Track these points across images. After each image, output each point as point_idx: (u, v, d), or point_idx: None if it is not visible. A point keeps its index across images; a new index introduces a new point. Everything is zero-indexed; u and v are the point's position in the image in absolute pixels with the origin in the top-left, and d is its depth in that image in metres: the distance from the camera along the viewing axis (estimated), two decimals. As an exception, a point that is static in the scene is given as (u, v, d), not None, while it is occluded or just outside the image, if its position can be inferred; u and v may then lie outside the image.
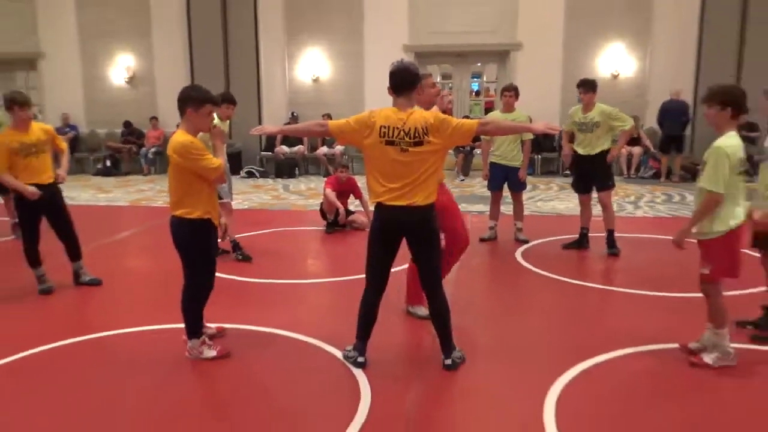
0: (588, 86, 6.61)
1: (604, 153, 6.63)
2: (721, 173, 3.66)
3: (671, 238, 3.90)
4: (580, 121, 6.66)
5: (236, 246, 6.51)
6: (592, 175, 6.71)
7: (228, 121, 6.45)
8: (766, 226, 4.09)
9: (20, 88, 15.40)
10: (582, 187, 6.89)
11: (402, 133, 3.64)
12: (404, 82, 3.72)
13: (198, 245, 4.01)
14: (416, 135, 3.62)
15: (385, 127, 3.65)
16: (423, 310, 4.70)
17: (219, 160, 3.94)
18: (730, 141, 3.74)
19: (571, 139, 6.98)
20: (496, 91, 13.84)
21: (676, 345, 4.09)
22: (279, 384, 3.78)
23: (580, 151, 6.71)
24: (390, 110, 3.73)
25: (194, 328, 4.09)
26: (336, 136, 3.87)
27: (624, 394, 3.58)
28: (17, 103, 5.20)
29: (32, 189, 5.18)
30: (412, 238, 3.80)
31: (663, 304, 5.05)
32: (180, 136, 3.85)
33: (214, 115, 6.07)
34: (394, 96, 3.77)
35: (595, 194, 6.84)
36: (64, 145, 5.69)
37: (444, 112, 4.27)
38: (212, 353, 4.09)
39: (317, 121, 4.09)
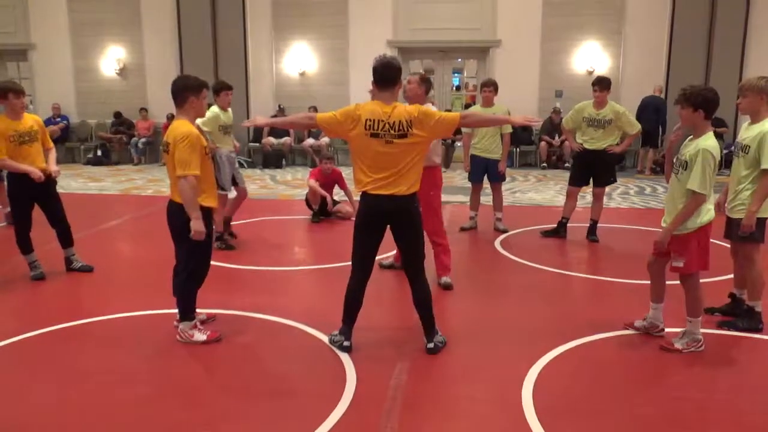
0: (604, 84, 6.82)
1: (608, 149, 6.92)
2: (709, 175, 3.81)
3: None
4: (591, 117, 6.85)
5: (220, 236, 6.67)
6: (595, 169, 6.99)
7: (230, 110, 6.67)
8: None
9: (12, 79, 15.55)
10: (579, 181, 7.15)
11: (387, 126, 3.77)
12: (388, 76, 3.83)
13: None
14: (400, 128, 3.76)
15: (370, 121, 3.78)
16: (444, 279, 5.43)
17: (197, 172, 3.97)
18: (713, 142, 3.88)
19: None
20: (476, 86, 14.27)
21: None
22: (266, 368, 3.93)
23: (586, 145, 6.94)
24: (375, 104, 3.85)
25: (187, 311, 4.21)
26: (323, 128, 3.99)
27: (598, 376, 3.80)
28: (12, 91, 5.30)
29: (39, 173, 5.29)
30: (395, 225, 3.95)
31: (635, 291, 5.24)
32: (185, 126, 4.00)
33: (215, 109, 6.48)
34: (377, 90, 3.89)
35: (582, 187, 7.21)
36: (51, 144, 5.71)
37: None
38: (203, 337, 4.22)
39: (306, 114, 4.19)
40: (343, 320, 4.12)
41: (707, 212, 3.98)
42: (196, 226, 3.98)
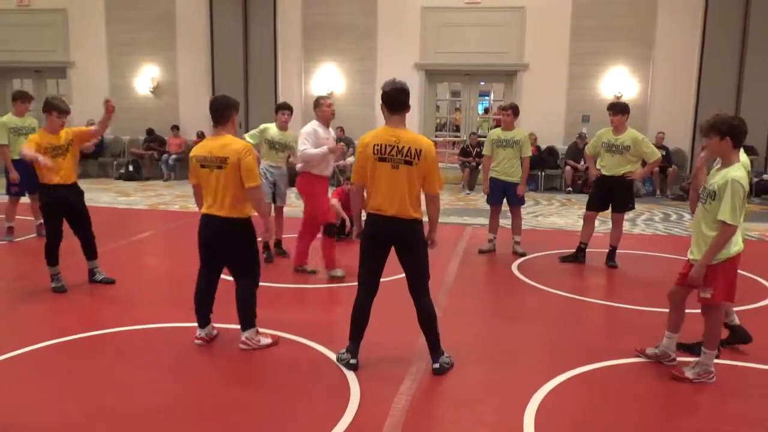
0: (617, 109, 6.81)
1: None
2: (739, 205, 3.80)
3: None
4: (609, 142, 6.82)
5: (266, 246, 7.03)
6: (612, 195, 6.94)
7: (291, 131, 7.05)
8: None
9: (53, 95, 16.05)
10: (596, 206, 7.12)
11: (395, 150, 3.84)
12: (398, 101, 3.91)
13: (255, 241, 4.41)
14: (408, 154, 3.84)
15: (377, 145, 3.87)
16: (338, 272, 6.23)
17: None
18: (741, 172, 3.86)
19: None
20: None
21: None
22: (275, 383, 3.99)
23: (604, 171, 6.90)
24: (381, 129, 3.95)
25: (253, 319, 4.45)
26: (362, 182, 4.04)
27: (604, 403, 3.79)
28: (57, 110, 5.55)
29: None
30: (398, 246, 4.01)
31: (650, 318, 5.20)
32: (240, 140, 4.30)
33: (266, 124, 6.93)
34: (387, 114, 3.95)
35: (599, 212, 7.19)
36: (86, 127, 5.88)
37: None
38: (268, 341, 4.49)
39: (356, 193, 4.16)
40: (350, 338, 4.18)
41: (735, 243, 3.96)
42: (270, 228, 4.67)
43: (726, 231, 3.85)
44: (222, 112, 4.29)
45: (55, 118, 5.58)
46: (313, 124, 6.17)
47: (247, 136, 6.81)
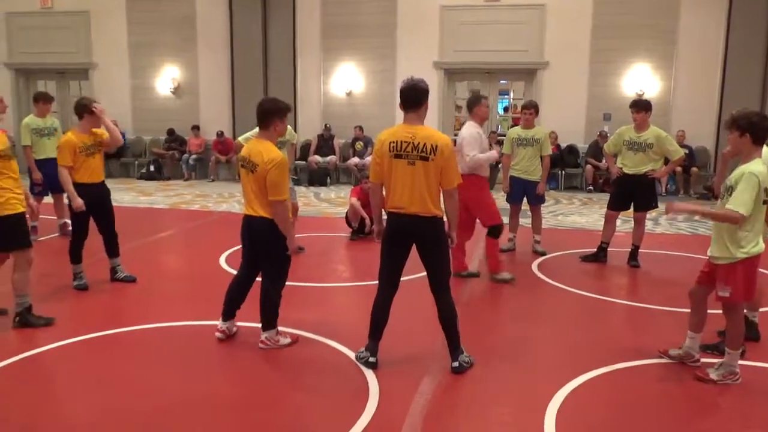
0: (640, 106, 6.70)
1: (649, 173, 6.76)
2: (749, 196, 3.75)
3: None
4: (632, 140, 6.72)
5: None
6: (634, 194, 6.84)
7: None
8: None
9: (73, 96, 16.26)
10: (618, 205, 7.03)
11: (411, 146, 3.82)
12: (414, 98, 3.88)
13: (283, 241, 4.36)
14: (424, 150, 3.81)
15: (393, 142, 3.87)
16: (505, 275, 6.16)
17: (287, 196, 4.28)
18: (760, 167, 3.82)
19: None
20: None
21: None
22: (292, 382, 4.01)
23: (626, 170, 6.80)
24: (398, 126, 3.95)
25: (274, 321, 4.47)
26: (379, 179, 4.03)
27: (626, 405, 3.73)
28: (87, 112, 5.69)
29: (80, 201, 5.54)
30: (419, 244, 4.00)
31: (673, 319, 5.13)
32: (274, 150, 4.23)
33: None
34: (404, 111, 3.94)
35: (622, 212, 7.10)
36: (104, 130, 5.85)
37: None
38: (287, 341, 4.52)
39: (375, 195, 4.13)
40: (369, 336, 4.18)
41: (756, 244, 3.90)
42: (294, 244, 4.37)
43: (729, 213, 3.78)
44: (264, 117, 4.29)
45: (96, 118, 5.71)
46: (475, 127, 6.06)
47: (241, 139, 6.59)
